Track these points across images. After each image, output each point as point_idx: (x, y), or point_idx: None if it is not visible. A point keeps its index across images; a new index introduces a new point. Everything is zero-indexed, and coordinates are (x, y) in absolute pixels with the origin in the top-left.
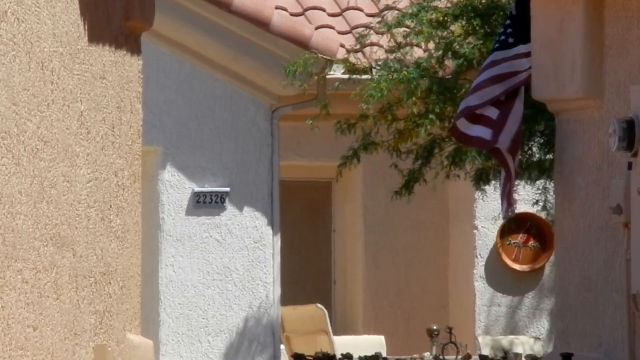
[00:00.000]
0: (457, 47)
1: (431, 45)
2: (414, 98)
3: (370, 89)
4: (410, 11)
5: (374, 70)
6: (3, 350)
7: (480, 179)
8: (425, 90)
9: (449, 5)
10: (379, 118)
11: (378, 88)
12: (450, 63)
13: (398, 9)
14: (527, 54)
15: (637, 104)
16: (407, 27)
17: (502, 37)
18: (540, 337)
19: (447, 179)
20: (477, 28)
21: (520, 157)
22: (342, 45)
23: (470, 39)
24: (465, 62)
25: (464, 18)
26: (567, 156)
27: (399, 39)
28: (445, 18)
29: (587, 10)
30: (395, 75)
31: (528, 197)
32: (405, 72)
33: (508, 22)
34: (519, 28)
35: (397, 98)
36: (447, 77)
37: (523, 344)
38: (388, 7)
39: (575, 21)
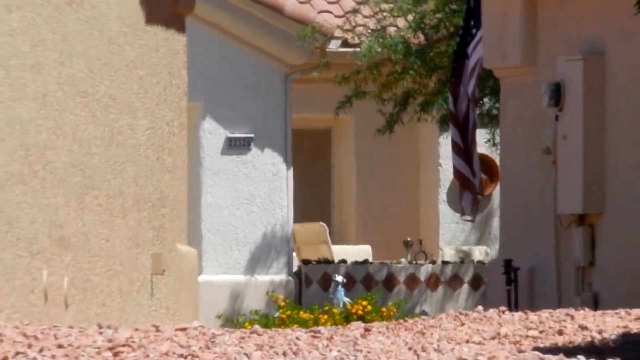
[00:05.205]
0: (428, 20)
1: (410, 17)
2: (399, 56)
3: (363, 50)
4: None
5: (363, 38)
6: (84, 257)
7: (444, 121)
8: (405, 53)
9: None
10: (368, 74)
11: (368, 50)
12: (420, 36)
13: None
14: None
15: (563, 71)
16: (391, 2)
17: (472, 29)
18: (489, 247)
19: (419, 121)
20: (446, 6)
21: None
22: (339, 26)
23: (439, 15)
24: (435, 32)
25: None
26: (509, 111)
27: (386, 13)
28: None
29: (525, 1)
30: (382, 41)
31: (479, 141)
32: (390, 39)
33: (471, 13)
34: (477, 18)
35: (382, 59)
36: (422, 43)
37: (476, 252)
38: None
39: (515, 6)
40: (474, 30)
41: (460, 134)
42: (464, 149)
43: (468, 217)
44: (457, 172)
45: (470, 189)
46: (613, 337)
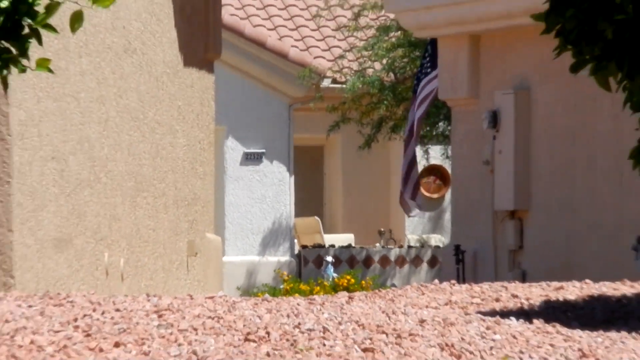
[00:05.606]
0: (398, 63)
1: (384, 61)
2: (375, 91)
3: (348, 86)
4: (372, 42)
5: (348, 77)
6: (136, 243)
7: None
8: (380, 88)
9: (396, 36)
10: (352, 104)
11: (352, 86)
12: (391, 75)
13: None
14: (437, 76)
15: (498, 102)
16: (369, 50)
17: (427, 68)
18: (442, 235)
19: (390, 140)
20: (411, 53)
21: (428, 129)
22: (330, 68)
23: (405, 59)
24: (403, 72)
25: (404, 46)
26: (458, 132)
27: (365, 58)
28: (393, 46)
29: (470, 50)
30: (362, 79)
31: (436, 155)
32: (369, 78)
33: (427, 57)
34: (433, 60)
35: (363, 93)
36: (393, 81)
37: (433, 239)
38: (354, 46)
39: (464, 53)
40: (429, 70)
41: (406, 162)
42: (405, 176)
43: (412, 215)
44: (400, 195)
45: (405, 208)
46: (537, 303)
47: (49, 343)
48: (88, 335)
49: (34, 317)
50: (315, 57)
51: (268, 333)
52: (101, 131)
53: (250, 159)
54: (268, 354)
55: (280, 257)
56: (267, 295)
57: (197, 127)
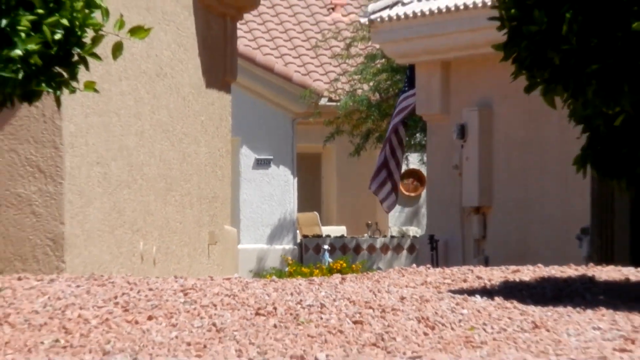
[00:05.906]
0: (382, 85)
1: (371, 83)
2: (364, 108)
3: (341, 104)
4: (361, 68)
5: (342, 96)
6: (166, 233)
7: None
8: (367, 106)
9: (381, 63)
10: (344, 119)
11: (345, 104)
12: (377, 95)
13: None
14: (413, 94)
15: (466, 117)
16: (359, 74)
17: (405, 87)
18: (419, 227)
19: (376, 149)
20: (393, 77)
21: (408, 139)
22: (326, 89)
23: (389, 82)
24: (387, 92)
25: (388, 71)
26: (432, 142)
27: (356, 81)
28: (379, 71)
29: (442, 74)
30: (353, 98)
31: (414, 160)
32: (358, 97)
33: (406, 79)
34: (412, 81)
35: (353, 109)
36: (378, 100)
37: (411, 230)
38: (346, 71)
39: (436, 76)
40: (407, 89)
41: (378, 161)
42: (374, 173)
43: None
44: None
45: (391, 202)
46: (498, 283)
47: (94, 317)
48: (126, 310)
49: (81, 295)
50: (314, 80)
51: (275, 308)
52: (138, 141)
53: (261, 164)
54: (275, 326)
55: (285, 245)
56: (274, 277)
57: (217, 137)
